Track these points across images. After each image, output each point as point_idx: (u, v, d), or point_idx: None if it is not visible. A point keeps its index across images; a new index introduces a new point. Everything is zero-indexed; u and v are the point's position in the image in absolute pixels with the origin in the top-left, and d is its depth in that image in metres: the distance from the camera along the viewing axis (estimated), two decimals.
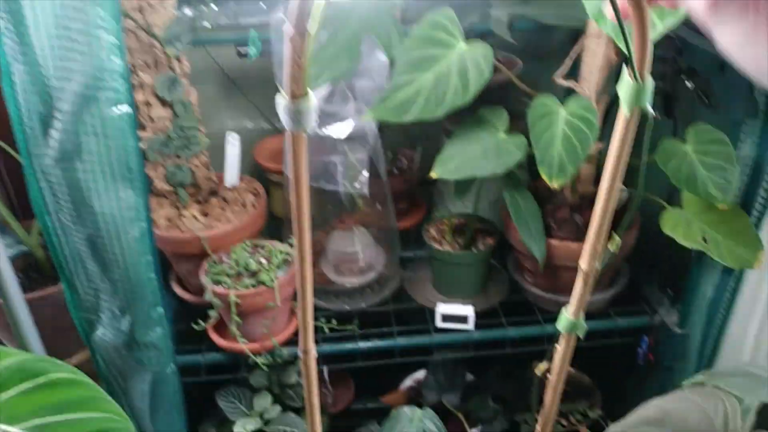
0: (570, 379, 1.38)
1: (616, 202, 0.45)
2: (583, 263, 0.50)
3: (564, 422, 1.26)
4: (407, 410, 0.71)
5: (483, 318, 1.08)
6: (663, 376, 1.13)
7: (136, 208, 0.82)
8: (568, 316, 0.54)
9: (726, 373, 0.69)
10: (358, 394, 1.46)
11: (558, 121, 0.82)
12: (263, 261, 0.99)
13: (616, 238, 0.49)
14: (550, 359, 0.60)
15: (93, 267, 0.86)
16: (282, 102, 0.39)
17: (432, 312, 1.08)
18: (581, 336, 0.55)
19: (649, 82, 0.40)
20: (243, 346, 0.96)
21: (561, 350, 0.55)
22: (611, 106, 1.04)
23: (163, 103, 1.01)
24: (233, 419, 1.10)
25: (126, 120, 0.77)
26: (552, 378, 0.57)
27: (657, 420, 0.61)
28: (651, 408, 0.63)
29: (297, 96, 0.38)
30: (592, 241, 0.49)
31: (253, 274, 0.97)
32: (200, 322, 0.99)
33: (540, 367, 0.59)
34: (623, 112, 0.42)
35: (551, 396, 0.58)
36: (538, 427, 0.63)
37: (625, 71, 0.41)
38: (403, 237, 1.23)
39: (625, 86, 0.40)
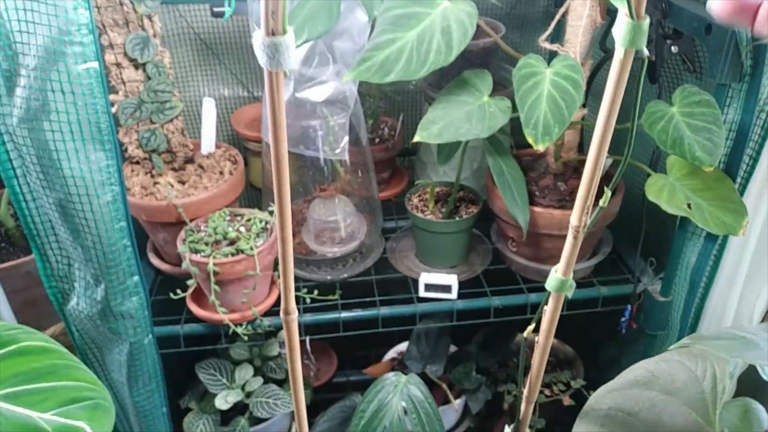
0: (553, 349, 1.39)
1: (607, 148, 0.44)
2: (574, 218, 0.49)
3: (547, 392, 1.26)
4: (392, 376, 0.69)
5: (466, 287, 1.07)
6: (646, 344, 1.13)
7: (108, 171, 0.78)
8: (557, 275, 0.52)
9: (711, 337, 0.68)
10: (341, 367, 1.45)
11: (544, 82, 0.80)
12: (242, 229, 0.97)
13: (607, 193, 0.47)
14: (538, 322, 0.58)
15: (64, 234, 0.83)
16: (258, 38, 0.36)
17: (415, 282, 1.07)
18: (569, 296, 0.53)
19: (646, 21, 0.38)
20: (222, 315, 0.94)
21: (550, 310, 0.53)
22: (596, 71, 1.03)
23: (135, 65, 0.97)
24: (214, 392, 1.09)
25: (94, 77, 0.73)
26: (540, 339, 0.55)
27: (644, 382, 0.60)
28: (638, 370, 0.62)
29: (275, 31, 0.35)
30: (584, 194, 0.47)
31: (232, 242, 0.95)
32: (178, 291, 0.97)
33: (528, 330, 0.58)
34: (618, 54, 0.40)
35: (539, 358, 0.57)
36: (524, 392, 0.62)
37: (621, 12, 0.39)
38: (385, 208, 1.21)
39: (620, 26, 0.38)
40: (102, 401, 0.64)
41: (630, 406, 0.59)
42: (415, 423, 0.66)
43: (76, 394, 0.63)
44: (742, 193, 0.90)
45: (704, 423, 0.56)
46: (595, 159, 0.44)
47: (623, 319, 1.08)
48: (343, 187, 1.11)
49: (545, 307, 0.54)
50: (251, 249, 0.93)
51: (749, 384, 0.99)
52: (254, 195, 1.32)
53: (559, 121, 0.78)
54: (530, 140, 0.80)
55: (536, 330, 0.59)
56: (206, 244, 0.94)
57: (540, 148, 0.79)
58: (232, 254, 0.92)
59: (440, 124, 0.88)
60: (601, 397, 0.61)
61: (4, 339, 0.64)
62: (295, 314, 0.47)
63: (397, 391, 0.67)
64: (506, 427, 0.65)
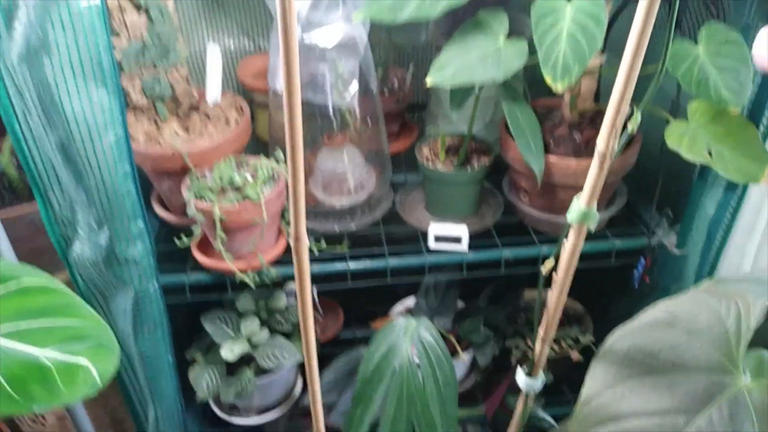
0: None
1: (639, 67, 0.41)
2: (601, 142, 0.46)
3: (556, 348, 1.25)
4: (401, 320, 0.67)
5: (477, 240, 1.05)
6: (658, 299, 1.11)
7: (111, 111, 0.76)
8: (580, 205, 0.50)
9: (734, 280, 0.66)
10: (348, 323, 1.44)
11: (564, 18, 0.77)
12: (249, 177, 0.94)
13: (636, 115, 0.45)
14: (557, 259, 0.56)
15: (67, 177, 0.81)
16: None
17: (425, 234, 1.05)
18: (592, 229, 0.51)
19: None
20: (228, 263, 0.92)
21: (570, 242, 0.51)
22: (615, 17, 0.99)
23: (138, 7, 0.94)
24: (220, 342, 1.08)
25: (95, 13, 0.71)
26: (559, 274, 0.53)
27: (665, 322, 0.58)
28: (658, 310, 0.60)
29: None
30: (612, 116, 0.44)
31: (238, 189, 0.92)
32: (183, 238, 0.95)
33: (546, 265, 0.55)
34: None
35: (557, 294, 0.55)
36: (540, 331, 0.60)
37: None
38: (394, 162, 1.18)
39: None
40: (106, 340, 0.63)
41: (650, 347, 0.57)
42: (426, 366, 0.64)
43: (79, 332, 0.62)
44: (764, 141, 0.87)
45: (728, 362, 0.55)
46: (627, 75, 0.41)
47: (636, 272, 1.06)
48: (352, 137, 1.08)
49: (565, 241, 0.52)
50: (258, 196, 0.90)
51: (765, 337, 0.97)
52: (261, 149, 1.29)
53: (579, 59, 0.75)
54: (548, 80, 0.77)
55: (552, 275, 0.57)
56: (212, 191, 0.92)
57: (559, 88, 0.76)
58: (239, 201, 0.90)
59: (454, 66, 0.85)
60: (619, 338, 0.59)
61: (5, 277, 0.62)
62: (305, 240, 0.45)
63: (408, 334, 0.66)
64: (518, 368, 0.63)
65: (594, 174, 0.48)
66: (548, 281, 0.63)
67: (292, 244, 0.45)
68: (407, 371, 0.65)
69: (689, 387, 0.53)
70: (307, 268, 0.48)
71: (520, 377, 0.62)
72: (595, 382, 0.57)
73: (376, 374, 0.66)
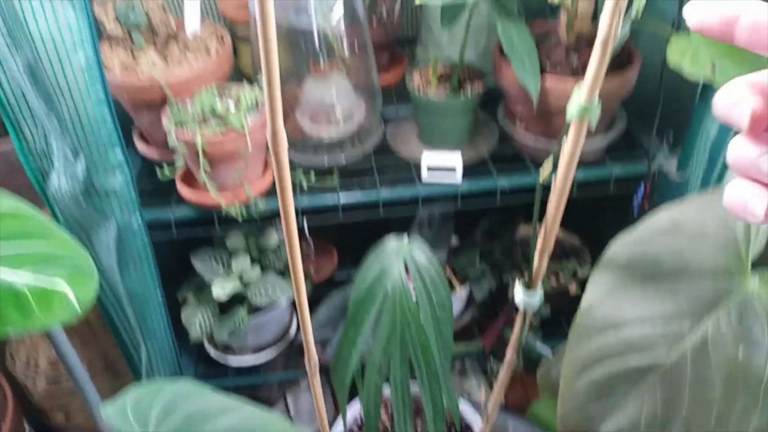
0: (558, 240, 1.34)
1: None
2: (603, 25, 0.42)
3: (554, 281, 1.23)
4: (393, 242, 0.64)
5: (471, 169, 1.01)
6: None
7: (79, 30, 0.71)
8: (580, 98, 0.46)
9: None
10: (342, 265, 1.42)
11: None
12: (231, 105, 0.90)
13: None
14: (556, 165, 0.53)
15: (38, 104, 0.77)
16: None
17: (418, 166, 1.01)
18: (594, 124, 0.48)
19: None
20: (213, 196, 0.89)
21: (571, 141, 0.48)
22: None
23: None
24: (211, 280, 1.05)
25: None
26: (559, 176, 0.50)
27: (669, 228, 0.56)
28: (661, 217, 0.57)
29: None
30: None
31: (221, 117, 0.88)
32: (165, 169, 0.91)
33: (544, 170, 0.52)
34: None
35: (556, 199, 0.52)
36: (538, 245, 0.58)
37: None
38: (384, 95, 1.14)
39: None
40: (83, 265, 0.60)
41: (653, 254, 0.55)
42: (420, 288, 0.62)
43: (55, 257, 0.59)
44: None
45: (736, 267, 0.52)
46: None
47: (636, 199, 1.03)
48: (339, 66, 1.04)
49: (564, 138, 0.49)
50: (241, 124, 0.86)
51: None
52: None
53: None
54: None
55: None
56: (193, 119, 0.88)
57: None
58: (221, 130, 0.86)
59: None
60: (620, 248, 0.56)
61: None
62: (283, 135, 0.42)
63: (400, 256, 0.63)
64: (516, 281, 0.61)
65: (595, 63, 0.44)
66: (543, 214, 0.59)
67: (268, 138, 0.42)
68: (400, 292, 0.62)
69: (694, 292, 0.51)
70: (287, 168, 0.44)
71: (518, 292, 0.60)
72: (595, 292, 0.54)
73: (368, 296, 0.64)
